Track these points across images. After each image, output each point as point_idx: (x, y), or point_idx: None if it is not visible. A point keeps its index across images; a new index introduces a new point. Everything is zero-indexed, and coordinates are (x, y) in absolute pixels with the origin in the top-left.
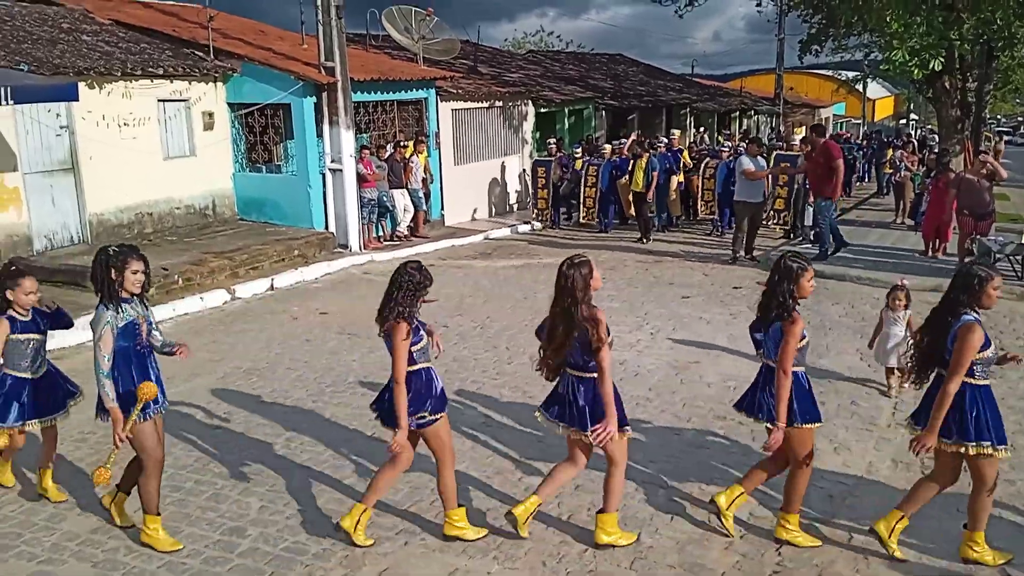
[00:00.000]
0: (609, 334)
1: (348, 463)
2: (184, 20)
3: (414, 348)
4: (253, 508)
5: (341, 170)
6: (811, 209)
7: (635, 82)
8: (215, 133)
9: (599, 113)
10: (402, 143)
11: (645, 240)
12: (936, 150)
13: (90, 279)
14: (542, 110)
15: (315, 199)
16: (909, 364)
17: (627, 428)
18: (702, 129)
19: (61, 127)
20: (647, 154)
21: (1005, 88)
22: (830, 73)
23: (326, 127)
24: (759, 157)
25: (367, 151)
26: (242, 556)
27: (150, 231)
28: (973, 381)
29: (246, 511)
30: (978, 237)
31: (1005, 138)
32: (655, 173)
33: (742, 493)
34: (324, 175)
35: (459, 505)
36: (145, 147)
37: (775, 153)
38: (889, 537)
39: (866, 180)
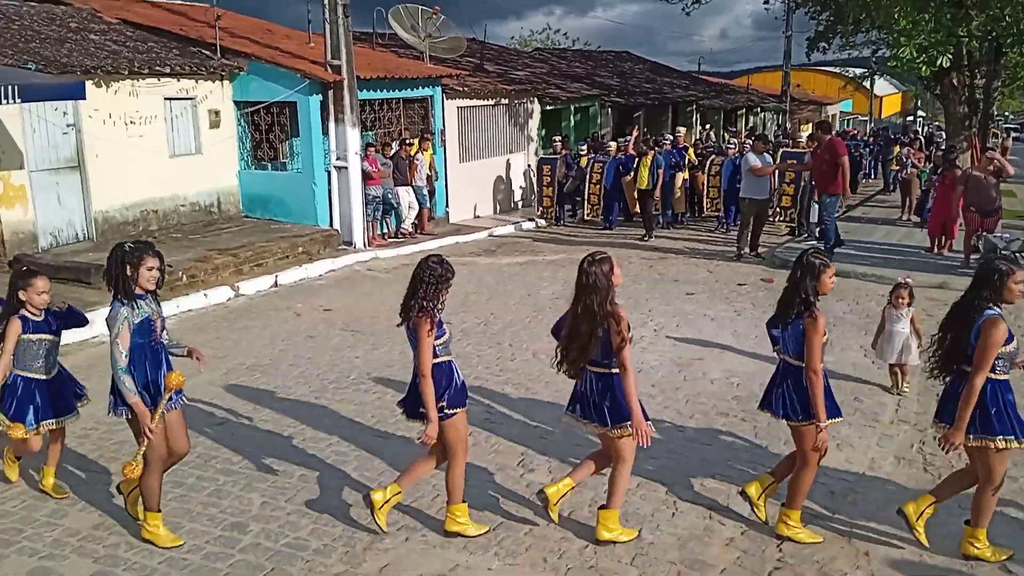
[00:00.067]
0: (630, 330)
1: (351, 459)
2: (192, 19)
3: (437, 342)
4: (255, 504)
5: (346, 167)
6: (816, 206)
7: (641, 79)
8: (221, 131)
9: (605, 110)
10: (407, 140)
11: (648, 237)
12: (943, 147)
13: (104, 275)
14: (548, 108)
15: (320, 196)
16: (929, 361)
17: (649, 423)
18: (708, 126)
19: (68, 125)
20: (653, 151)
21: (1013, 85)
22: (837, 70)
23: (332, 125)
24: (765, 154)
25: (372, 148)
26: (243, 552)
27: (155, 228)
28: (995, 376)
29: (248, 507)
30: (984, 234)
31: (1013, 135)
32: (661, 171)
33: (773, 482)
34: (329, 172)
35: (462, 501)
36: (151, 145)
37: (781, 150)
38: (917, 520)
39: (872, 177)
